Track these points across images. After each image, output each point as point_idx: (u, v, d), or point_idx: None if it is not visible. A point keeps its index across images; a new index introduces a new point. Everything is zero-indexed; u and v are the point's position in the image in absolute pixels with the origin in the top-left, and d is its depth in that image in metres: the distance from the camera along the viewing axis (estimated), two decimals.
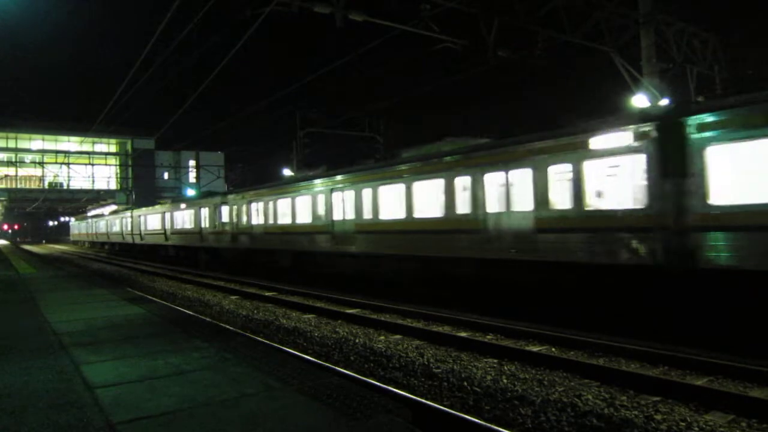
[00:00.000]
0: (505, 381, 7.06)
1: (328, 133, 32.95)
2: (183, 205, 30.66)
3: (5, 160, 59.51)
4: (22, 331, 7.44)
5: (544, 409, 6.02)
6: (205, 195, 29.05)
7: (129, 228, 41.52)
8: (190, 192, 50.82)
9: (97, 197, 61.86)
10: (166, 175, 66.33)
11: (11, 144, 63.00)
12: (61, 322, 8.12)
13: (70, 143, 61.91)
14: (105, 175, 66.34)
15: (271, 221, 20.89)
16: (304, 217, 18.74)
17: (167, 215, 32.75)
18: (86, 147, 60.43)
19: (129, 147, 65.03)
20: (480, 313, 11.30)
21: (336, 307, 13.12)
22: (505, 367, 7.74)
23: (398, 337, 10.02)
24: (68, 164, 54.67)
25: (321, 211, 17.94)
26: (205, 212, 26.85)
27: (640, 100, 15.94)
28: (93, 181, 64.23)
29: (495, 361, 8.09)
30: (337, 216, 17.08)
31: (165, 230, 33.22)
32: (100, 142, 65.49)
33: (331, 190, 17.35)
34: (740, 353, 7.51)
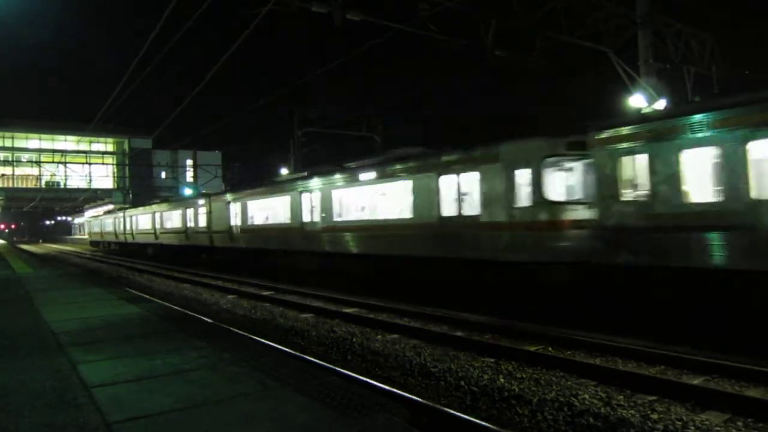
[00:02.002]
0: (502, 380, 7.07)
1: (326, 133, 32.95)
2: (318, 182, 17.87)
3: (2, 159, 59.42)
4: (19, 330, 7.43)
5: (540, 408, 6.03)
6: (406, 158, 15.01)
7: (201, 222, 27.39)
8: (187, 191, 50.68)
9: (95, 196, 61.75)
10: (163, 175, 66.29)
11: (8, 143, 62.89)
12: (59, 321, 8.10)
13: (67, 142, 61.87)
14: (102, 174, 66.31)
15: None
16: None
17: (311, 198, 18.31)
18: (83, 146, 60.38)
19: (126, 146, 65.00)
20: (478, 313, 11.31)
21: (334, 307, 13.11)
22: (502, 367, 7.74)
23: (396, 336, 10.02)
24: (65, 163, 54.57)
25: None
26: (406, 186, 14.43)
27: (637, 101, 15.97)
28: (90, 181, 64.17)
29: (492, 360, 8.10)
30: None
31: (301, 223, 18.74)
32: (98, 141, 65.42)
33: None
34: (736, 352, 7.54)
